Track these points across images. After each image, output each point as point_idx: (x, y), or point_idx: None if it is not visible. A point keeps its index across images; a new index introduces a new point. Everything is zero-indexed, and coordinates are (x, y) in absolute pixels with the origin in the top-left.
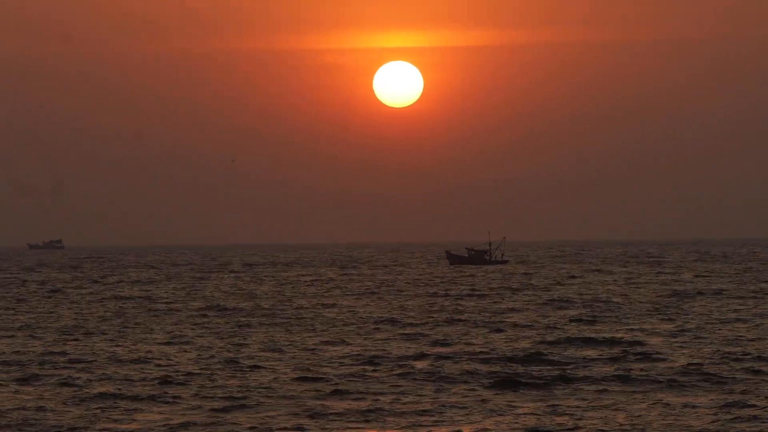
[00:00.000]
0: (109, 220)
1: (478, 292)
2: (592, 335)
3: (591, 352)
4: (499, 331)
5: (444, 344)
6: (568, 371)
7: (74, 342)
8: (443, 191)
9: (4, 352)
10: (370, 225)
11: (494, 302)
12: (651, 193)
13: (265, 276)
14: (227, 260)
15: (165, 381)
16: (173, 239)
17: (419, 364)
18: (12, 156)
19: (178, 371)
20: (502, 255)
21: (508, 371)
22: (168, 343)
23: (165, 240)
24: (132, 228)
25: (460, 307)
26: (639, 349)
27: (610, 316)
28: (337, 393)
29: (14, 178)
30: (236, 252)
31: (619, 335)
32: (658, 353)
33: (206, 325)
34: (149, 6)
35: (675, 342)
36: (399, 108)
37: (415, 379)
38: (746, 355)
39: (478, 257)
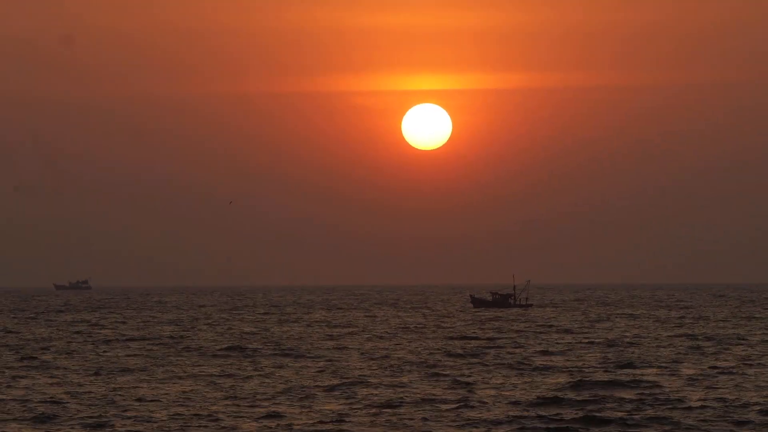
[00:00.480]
0: (134, 261)
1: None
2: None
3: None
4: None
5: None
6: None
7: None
8: (470, 234)
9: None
10: (396, 267)
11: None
12: (679, 235)
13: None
14: (251, 301)
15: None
16: (198, 280)
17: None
18: (38, 197)
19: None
20: (527, 299)
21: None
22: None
23: (190, 281)
24: (158, 268)
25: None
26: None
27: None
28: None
29: (40, 222)
30: (264, 293)
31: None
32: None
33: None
34: (180, 48)
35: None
36: (427, 150)
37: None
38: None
39: (502, 301)
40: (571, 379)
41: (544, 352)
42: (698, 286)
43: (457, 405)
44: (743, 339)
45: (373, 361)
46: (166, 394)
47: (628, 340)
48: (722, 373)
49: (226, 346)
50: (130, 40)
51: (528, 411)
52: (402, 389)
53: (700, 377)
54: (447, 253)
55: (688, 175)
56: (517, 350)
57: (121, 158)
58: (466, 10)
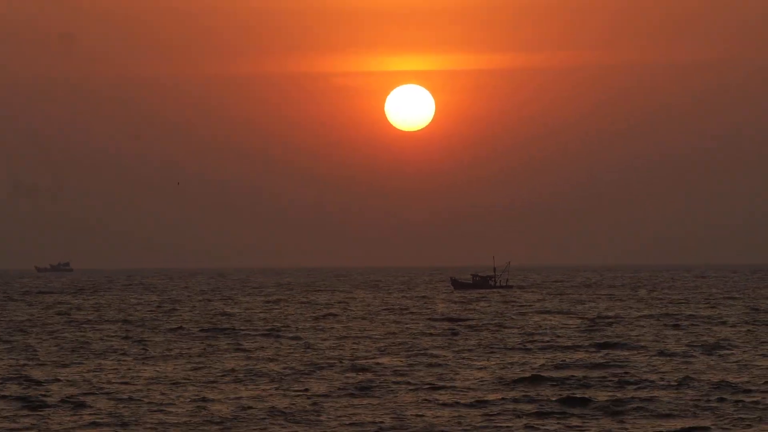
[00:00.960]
0: (116, 243)
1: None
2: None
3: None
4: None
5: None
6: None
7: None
8: (452, 215)
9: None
10: (379, 249)
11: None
12: (663, 214)
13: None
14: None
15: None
16: (184, 262)
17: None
18: (27, 177)
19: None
20: (507, 280)
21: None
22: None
23: (175, 263)
24: (142, 250)
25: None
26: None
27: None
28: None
29: (20, 204)
30: (246, 275)
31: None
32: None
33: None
34: (165, 28)
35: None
36: (411, 131)
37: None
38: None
39: (483, 283)
40: (550, 359)
41: (525, 333)
42: (680, 267)
43: (434, 386)
44: (720, 320)
45: (352, 342)
46: (140, 375)
47: (609, 320)
48: (702, 353)
49: (206, 326)
50: (111, 21)
51: (508, 391)
52: (380, 371)
53: (678, 356)
54: (429, 234)
55: (672, 154)
56: (498, 330)
57: (105, 139)
58: None
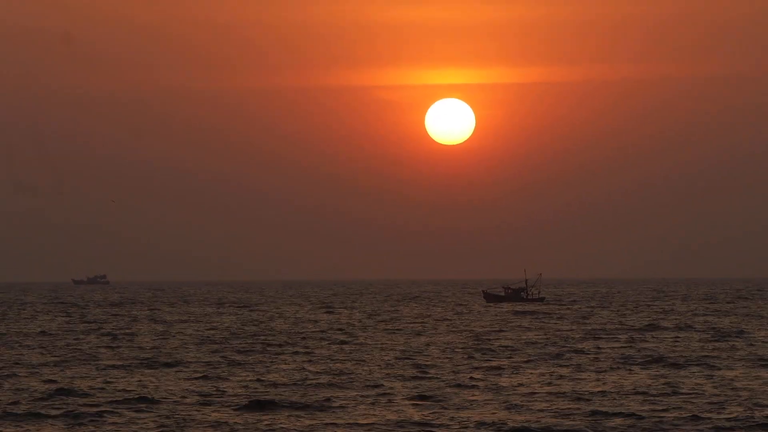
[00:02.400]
0: (152, 255)
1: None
2: None
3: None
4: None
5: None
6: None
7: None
8: (492, 227)
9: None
10: (418, 261)
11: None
12: (701, 228)
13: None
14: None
15: None
16: (220, 275)
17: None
18: (55, 192)
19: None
20: (539, 292)
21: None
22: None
23: (212, 275)
24: (176, 263)
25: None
26: None
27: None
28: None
29: (68, 216)
30: (284, 287)
31: None
32: None
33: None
34: (205, 41)
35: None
36: (451, 145)
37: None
38: None
39: (515, 295)
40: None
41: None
42: (714, 281)
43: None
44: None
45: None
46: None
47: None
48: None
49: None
50: (156, 34)
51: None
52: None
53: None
54: (469, 247)
55: (710, 167)
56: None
57: (144, 152)
58: (489, 4)
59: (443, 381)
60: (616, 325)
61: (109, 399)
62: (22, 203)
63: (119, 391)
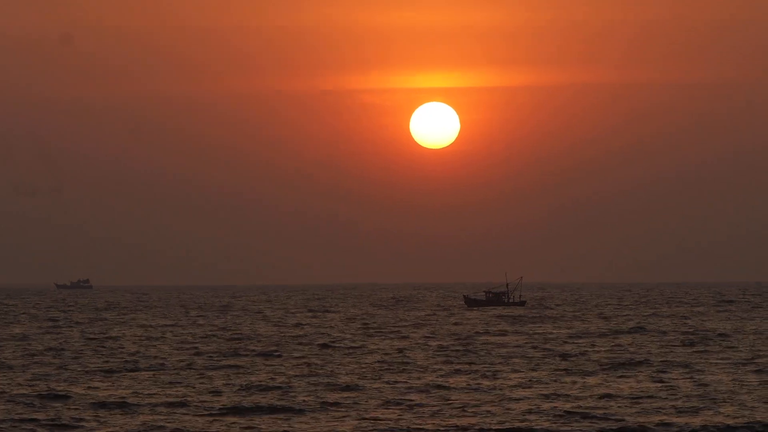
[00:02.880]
0: (135, 260)
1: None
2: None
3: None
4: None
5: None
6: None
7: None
8: (476, 231)
9: None
10: (402, 264)
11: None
12: (684, 232)
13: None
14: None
15: None
16: (205, 279)
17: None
18: (39, 195)
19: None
20: (520, 296)
21: None
22: None
23: (196, 279)
24: (160, 267)
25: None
26: None
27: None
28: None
29: (40, 220)
30: (263, 292)
31: None
32: None
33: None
34: (191, 46)
35: None
36: (435, 149)
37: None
38: None
39: (496, 299)
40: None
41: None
42: (699, 285)
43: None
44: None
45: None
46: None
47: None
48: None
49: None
50: (141, 39)
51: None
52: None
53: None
54: (453, 250)
55: (694, 171)
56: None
57: (128, 157)
58: (473, 8)
59: (419, 384)
60: (600, 329)
61: (90, 403)
62: (16, 205)
63: (101, 395)
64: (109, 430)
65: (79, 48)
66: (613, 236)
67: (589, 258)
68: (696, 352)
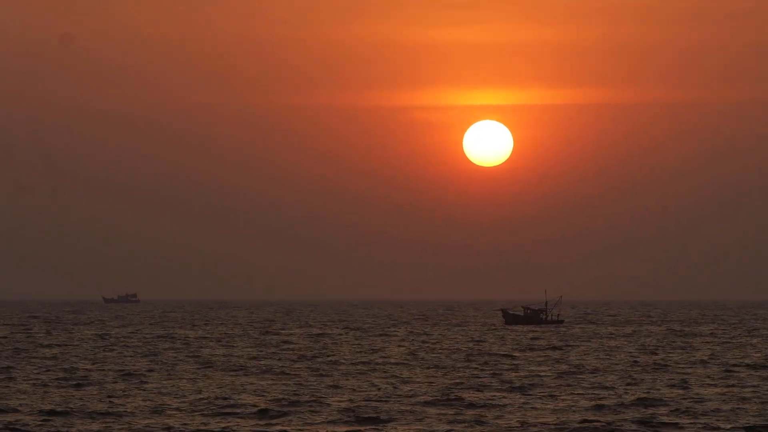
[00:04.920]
0: (181, 274)
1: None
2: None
3: None
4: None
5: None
6: None
7: None
8: (526, 247)
9: None
10: (455, 281)
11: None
12: (724, 251)
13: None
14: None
15: None
16: (249, 293)
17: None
18: (82, 207)
19: None
20: (558, 315)
21: None
22: None
23: (240, 294)
24: (207, 280)
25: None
26: None
27: None
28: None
29: (86, 232)
30: (314, 307)
31: None
32: None
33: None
34: (244, 59)
35: None
36: (488, 167)
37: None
38: None
39: (534, 316)
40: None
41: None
42: (732, 303)
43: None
44: None
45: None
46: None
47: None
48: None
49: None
50: (194, 51)
51: None
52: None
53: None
54: (505, 266)
55: (737, 190)
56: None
57: (179, 170)
58: (523, 26)
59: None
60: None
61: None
62: (42, 214)
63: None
64: None
65: (118, 63)
66: (658, 253)
67: (638, 275)
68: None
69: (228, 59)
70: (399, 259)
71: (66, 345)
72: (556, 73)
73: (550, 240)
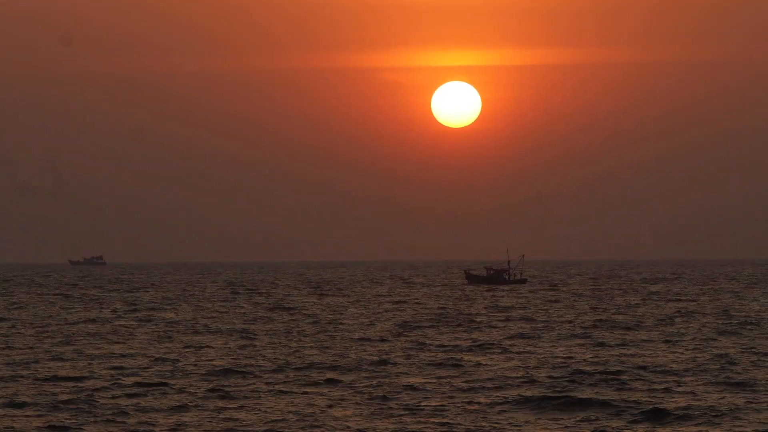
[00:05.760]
0: (148, 236)
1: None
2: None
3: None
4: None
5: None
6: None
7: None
8: (493, 208)
9: None
10: (422, 240)
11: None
12: (692, 210)
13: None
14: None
15: None
16: (220, 255)
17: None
18: (83, 177)
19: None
20: (521, 273)
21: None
22: None
23: (211, 256)
24: (175, 242)
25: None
26: None
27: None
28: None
29: (80, 197)
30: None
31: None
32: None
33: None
34: (214, 21)
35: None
36: (456, 128)
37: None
38: None
39: (497, 277)
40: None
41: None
42: (698, 262)
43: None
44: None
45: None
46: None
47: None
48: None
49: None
50: (164, 14)
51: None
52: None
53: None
54: (470, 227)
55: (706, 149)
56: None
57: (149, 131)
58: None
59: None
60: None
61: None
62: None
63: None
64: None
65: (96, 25)
66: (628, 214)
67: (610, 235)
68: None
69: (197, 23)
70: (367, 220)
71: None
72: (525, 34)
73: (516, 201)
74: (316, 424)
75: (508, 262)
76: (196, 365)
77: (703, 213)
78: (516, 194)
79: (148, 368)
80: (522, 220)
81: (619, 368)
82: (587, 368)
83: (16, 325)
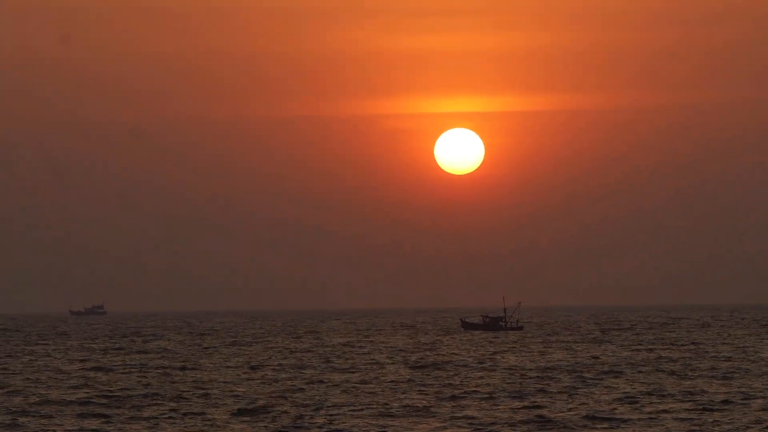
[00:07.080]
0: (148, 285)
1: None
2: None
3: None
4: None
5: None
6: None
7: None
8: (497, 255)
9: None
10: (426, 288)
11: None
12: (698, 255)
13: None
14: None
15: None
16: (222, 303)
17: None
18: (74, 216)
19: None
20: (517, 321)
21: None
22: None
23: (214, 305)
24: (177, 291)
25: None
26: None
27: None
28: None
29: (78, 245)
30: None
31: None
32: None
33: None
34: (221, 70)
35: None
36: (459, 175)
37: None
38: None
39: (493, 324)
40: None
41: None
42: (700, 307)
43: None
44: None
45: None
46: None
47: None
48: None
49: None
50: (171, 63)
51: None
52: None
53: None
54: (475, 274)
55: (707, 193)
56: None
57: (155, 180)
58: (493, 33)
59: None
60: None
61: None
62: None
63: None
64: None
65: (108, 75)
66: (629, 259)
67: (611, 279)
68: None
69: (206, 71)
70: (371, 267)
71: None
72: (527, 80)
73: (520, 248)
74: None
75: (504, 309)
76: None
77: (703, 257)
78: (519, 241)
79: None
80: (521, 266)
81: None
82: None
83: None
